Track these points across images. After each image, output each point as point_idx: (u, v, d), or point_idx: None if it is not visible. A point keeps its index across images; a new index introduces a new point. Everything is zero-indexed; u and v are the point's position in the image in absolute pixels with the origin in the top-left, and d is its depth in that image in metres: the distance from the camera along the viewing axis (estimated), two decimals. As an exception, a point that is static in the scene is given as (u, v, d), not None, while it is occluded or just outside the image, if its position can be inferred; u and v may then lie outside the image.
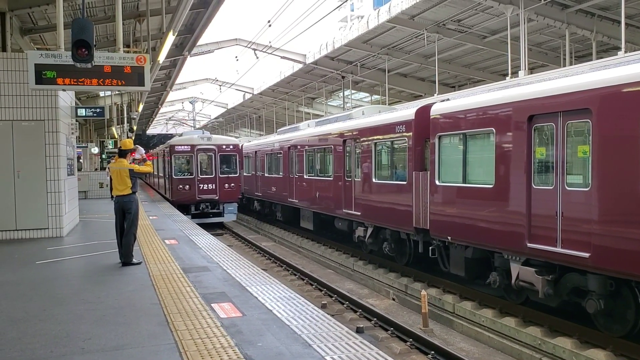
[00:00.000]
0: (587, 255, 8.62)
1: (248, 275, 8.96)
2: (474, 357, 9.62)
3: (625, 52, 16.09)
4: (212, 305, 7.19)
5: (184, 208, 24.93)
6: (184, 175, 26.37)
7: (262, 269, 10.07)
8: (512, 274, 10.51)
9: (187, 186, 25.95)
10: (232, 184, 26.59)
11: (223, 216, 27.34)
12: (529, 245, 9.79)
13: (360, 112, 18.79)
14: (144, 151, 11.00)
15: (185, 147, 26.35)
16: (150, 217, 18.78)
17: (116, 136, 39.80)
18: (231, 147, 27.12)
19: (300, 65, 34.35)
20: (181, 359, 5.28)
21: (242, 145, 30.44)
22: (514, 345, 10.00)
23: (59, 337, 6.12)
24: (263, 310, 6.97)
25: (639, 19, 20.94)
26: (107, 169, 28.63)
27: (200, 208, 26.09)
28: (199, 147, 26.29)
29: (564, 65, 21.21)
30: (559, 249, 9.19)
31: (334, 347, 5.50)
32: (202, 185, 26.01)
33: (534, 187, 9.80)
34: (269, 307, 7.04)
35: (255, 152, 28.56)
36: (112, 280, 9.09)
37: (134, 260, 10.31)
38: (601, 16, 20.75)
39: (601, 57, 19.46)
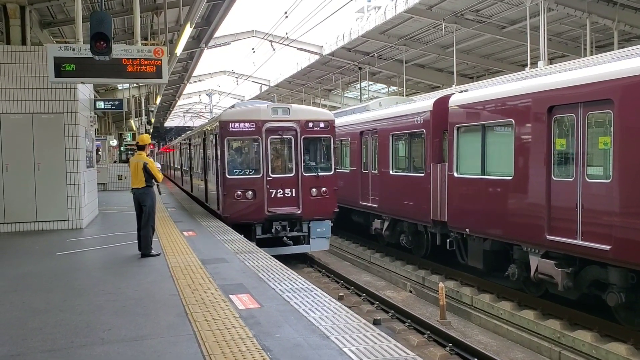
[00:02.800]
0: (608, 247, 8.52)
1: (265, 267, 8.99)
2: (492, 350, 9.57)
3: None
4: (230, 296, 7.22)
5: (242, 229, 14.21)
6: (243, 174, 15.10)
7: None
8: (531, 267, 10.42)
9: (250, 193, 14.79)
10: (324, 189, 15.24)
11: (309, 243, 15.51)
12: (549, 237, 9.69)
13: (377, 104, 18.74)
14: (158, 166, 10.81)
15: (247, 125, 15.07)
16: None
17: (134, 129, 40.05)
18: (322, 124, 15.45)
19: (317, 57, 34.31)
20: (200, 349, 5.31)
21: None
22: (533, 338, 9.94)
23: (79, 327, 6.19)
24: (281, 301, 6.98)
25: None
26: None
27: (273, 230, 14.91)
28: (269, 124, 14.94)
29: (585, 56, 20.90)
30: (579, 242, 9.09)
31: (351, 339, 5.49)
32: (274, 191, 14.97)
33: (554, 179, 9.69)
34: (286, 299, 7.05)
35: None
36: (132, 272, 9.16)
37: (152, 251, 10.40)
38: (623, 5, 20.40)
39: (623, 47, 19.14)
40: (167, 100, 45.60)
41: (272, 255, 10.06)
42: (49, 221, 14.09)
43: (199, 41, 23.37)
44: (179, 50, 17.52)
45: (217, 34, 24.70)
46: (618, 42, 20.78)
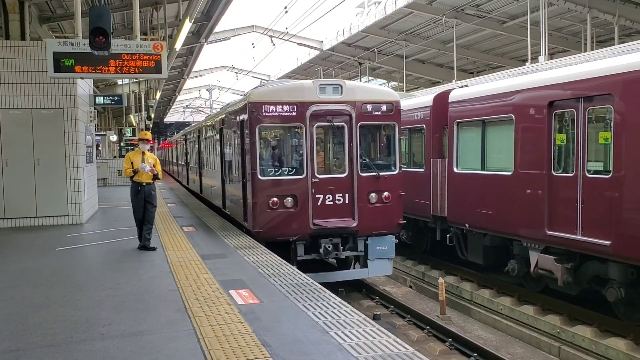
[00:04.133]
0: (608, 243, 8.52)
1: (265, 263, 8.98)
2: (491, 345, 9.58)
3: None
4: (230, 291, 7.22)
5: (278, 248, 10.73)
6: (280, 175, 11.43)
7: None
8: (530, 262, 10.42)
9: (290, 200, 11.10)
10: (387, 193, 11.49)
11: (366, 265, 11.72)
12: (549, 232, 9.69)
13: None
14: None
15: (285, 108, 11.14)
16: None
17: (134, 124, 40.02)
18: (384, 107, 11.55)
19: (317, 52, 34.22)
20: (199, 344, 5.31)
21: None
22: (533, 333, 9.95)
23: (79, 322, 6.19)
24: (280, 297, 6.98)
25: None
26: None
27: (321, 249, 11.14)
28: (315, 107, 11.20)
29: (585, 51, 20.86)
30: (579, 237, 9.09)
31: (351, 334, 5.49)
32: (322, 198, 11.27)
33: (554, 174, 9.68)
34: (286, 294, 7.05)
35: None
36: (131, 267, 9.16)
37: (150, 245, 10.49)
38: (624, 0, 20.34)
39: (624, 42, 19.10)
40: (167, 95, 45.56)
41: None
42: (49, 216, 14.07)
43: (198, 36, 23.31)
44: (178, 45, 17.46)
45: (216, 29, 24.66)
46: (619, 37, 20.73)
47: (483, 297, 11.65)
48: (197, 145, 21.70)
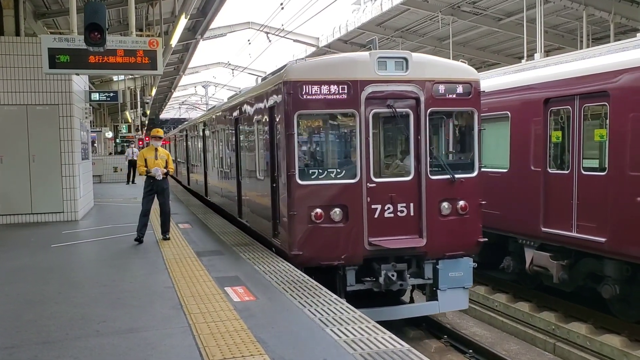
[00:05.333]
0: (603, 240, 8.54)
1: (261, 260, 8.98)
2: (487, 342, 9.60)
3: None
4: (226, 288, 7.21)
5: (320, 274, 8.41)
6: (325, 178, 8.70)
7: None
8: (526, 259, 10.45)
9: (338, 211, 8.50)
10: (463, 202, 8.89)
11: (434, 297, 9.12)
12: (544, 229, 9.72)
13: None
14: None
15: (334, 88, 8.48)
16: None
17: (130, 120, 39.93)
18: (459, 89, 8.94)
19: (313, 49, 34.16)
20: (195, 341, 5.30)
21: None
22: (528, 330, 9.98)
23: (74, 319, 6.17)
24: (276, 293, 6.97)
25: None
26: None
27: (382, 278, 8.51)
28: (373, 88, 8.58)
29: (581, 48, 20.89)
30: (574, 234, 9.11)
31: (347, 331, 5.49)
32: (379, 208, 8.64)
33: (550, 171, 9.71)
34: (282, 291, 7.05)
35: None
36: (127, 264, 9.14)
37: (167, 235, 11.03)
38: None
39: (619, 39, 19.15)
40: (163, 92, 45.44)
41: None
42: (44, 213, 14.04)
43: (194, 32, 23.25)
44: (174, 41, 17.43)
45: (212, 26, 24.58)
46: (614, 35, 20.76)
47: (478, 294, 11.67)
48: (201, 141, 19.19)
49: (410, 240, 8.62)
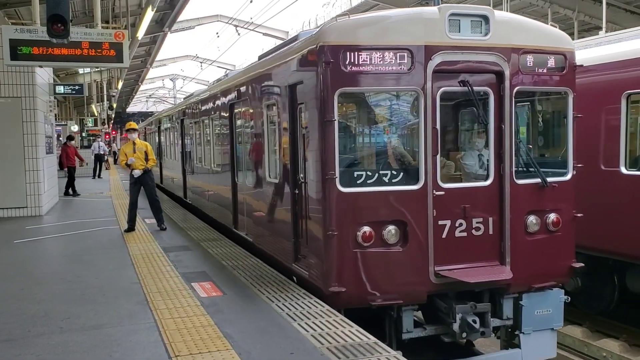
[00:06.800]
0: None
1: (229, 255, 8.94)
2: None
3: (606, 32, 16.17)
4: (192, 284, 7.16)
5: (362, 315, 6.10)
6: (374, 183, 6.28)
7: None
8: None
9: (392, 230, 6.16)
10: (555, 216, 6.72)
11: (517, 342, 6.83)
12: None
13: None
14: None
15: (389, 56, 6.06)
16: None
17: (96, 114, 39.28)
18: (551, 62, 6.70)
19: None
20: (161, 337, 5.26)
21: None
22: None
23: (37, 316, 6.07)
24: (244, 288, 6.95)
25: (620, -1, 21.02)
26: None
27: (457, 323, 6.28)
28: (443, 56, 6.22)
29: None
30: None
31: (315, 325, 5.51)
32: (448, 225, 6.33)
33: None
34: (249, 286, 7.03)
35: None
36: (92, 260, 9.01)
37: (163, 226, 11.45)
38: (584, -4, 20.83)
39: (582, 37, 19.54)
40: (130, 85, 44.82)
41: None
42: (7, 208, 13.75)
43: (162, 25, 22.99)
44: (140, 34, 17.20)
45: (180, 18, 24.37)
46: (578, 32, 21.19)
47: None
48: (179, 134, 16.56)
49: (492, 270, 6.41)
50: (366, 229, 6.11)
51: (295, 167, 7.10)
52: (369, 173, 6.36)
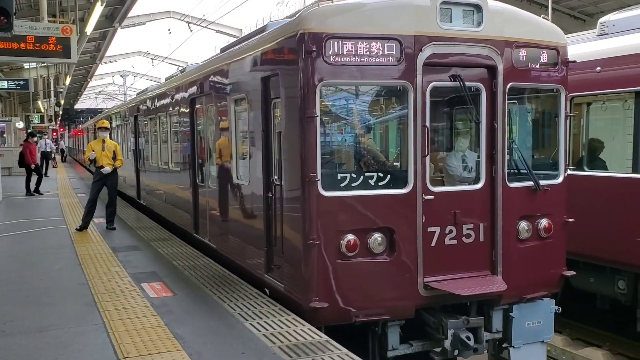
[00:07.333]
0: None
1: (180, 255, 8.84)
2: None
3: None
4: (142, 284, 7.05)
5: (345, 332, 5.70)
6: (359, 187, 5.78)
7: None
8: None
9: (378, 238, 5.67)
10: (546, 221, 6.39)
11: (507, 356, 6.49)
12: None
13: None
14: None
15: (375, 47, 5.55)
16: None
17: (43, 110, 38.19)
18: (544, 57, 6.35)
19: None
20: (109, 339, 5.17)
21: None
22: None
23: (-22, 319, 5.88)
24: (195, 289, 6.89)
25: (565, 4, 21.75)
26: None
27: (448, 340, 5.88)
28: (434, 48, 5.75)
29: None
30: None
31: (267, 324, 5.51)
32: (437, 232, 5.89)
33: None
34: (201, 286, 6.97)
35: None
36: (38, 260, 8.78)
37: (112, 226, 11.38)
38: (530, 0, 21.42)
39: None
40: (78, 81, 43.75)
41: None
42: (-54, 208, 13.23)
43: (112, 20, 22.55)
44: (89, 29, 16.82)
45: (131, 13, 23.97)
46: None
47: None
48: (132, 131, 15.83)
49: (484, 281, 5.99)
50: (350, 237, 5.59)
51: (269, 167, 6.49)
52: (354, 175, 5.84)
